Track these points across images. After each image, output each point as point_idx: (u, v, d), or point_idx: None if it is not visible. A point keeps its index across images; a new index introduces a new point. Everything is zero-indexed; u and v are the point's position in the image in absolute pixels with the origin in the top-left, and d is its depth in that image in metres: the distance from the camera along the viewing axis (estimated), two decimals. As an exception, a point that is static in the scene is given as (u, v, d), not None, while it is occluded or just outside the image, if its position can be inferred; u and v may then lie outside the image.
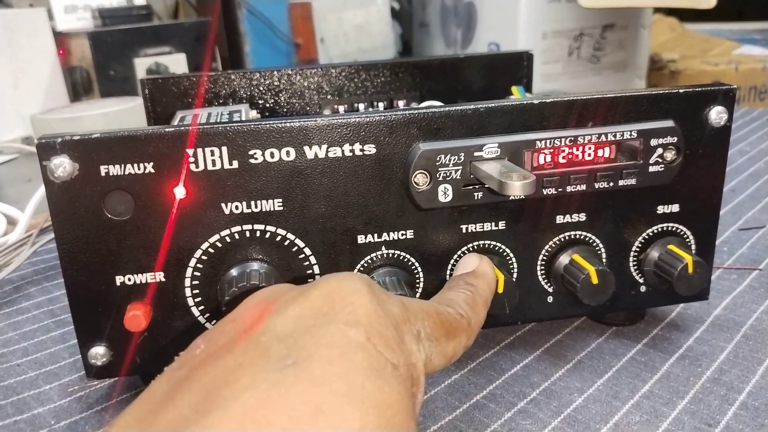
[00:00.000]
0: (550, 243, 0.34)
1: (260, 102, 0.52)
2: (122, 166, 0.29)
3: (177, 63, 0.95)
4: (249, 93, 0.52)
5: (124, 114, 0.73)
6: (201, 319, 0.32)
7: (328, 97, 0.53)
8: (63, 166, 0.28)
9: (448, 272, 0.34)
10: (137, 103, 0.75)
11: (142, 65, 0.93)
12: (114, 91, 0.90)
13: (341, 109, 0.52)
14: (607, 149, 0.33)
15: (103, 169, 0.29)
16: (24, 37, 0.91)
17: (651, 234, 0.35)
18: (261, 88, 0.52)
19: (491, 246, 0.34)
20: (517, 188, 0.28)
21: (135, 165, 0.29)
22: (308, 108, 0.52)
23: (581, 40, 1.22)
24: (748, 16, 1.96)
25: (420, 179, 0.31)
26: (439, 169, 0.31)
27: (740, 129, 0.82)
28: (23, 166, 0.79)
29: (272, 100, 0.52)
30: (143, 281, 0.31)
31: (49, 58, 0.94)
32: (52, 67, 0.94)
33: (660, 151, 0.33)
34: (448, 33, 1.37)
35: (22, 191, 0.65)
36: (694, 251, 0.36)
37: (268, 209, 0.31)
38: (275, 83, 0.52)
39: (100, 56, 0.91)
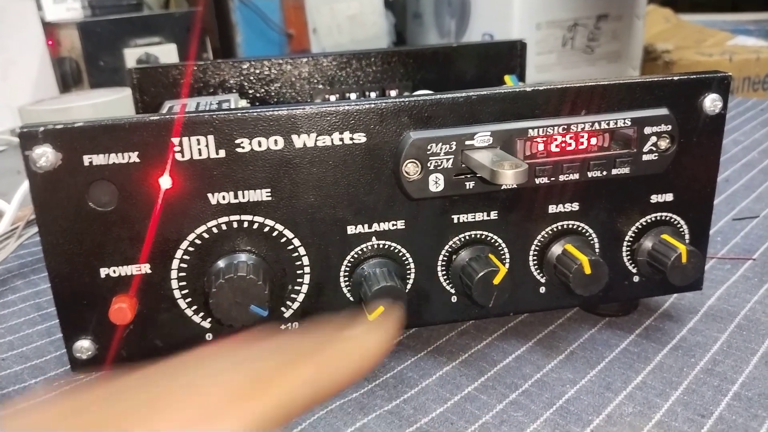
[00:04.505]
0: (543, 233, 0.34)
1: (250, 92, 0.51)
2: (106, 155, 0.28)
3: (167, 53, 0.94)
4: (239, 83, 0.51)
5: (113, 104, 0.72)
6: (188, 312, 0.31)
7: (320, 86, 0.52)
8: (45, 155, 0.28)
9: (438, 263, 0.33)
10: (126, 93, 0.74)
11: (132, 56, 0.92)
12: (104, 82, 0.89)
13: (332, 98, 0.52)
14: (600, 137, 0.32)
15: (86, 159, 0.28)
16: (12, 28, 0.90)
17: (644, 224, 0.35)
18: (251, 78, 0.51)
19: (483, 236, 0.33)
20: (509, 177, 0.28)
21: (119, 154, 0.28)
22: (299, 98, 0.52)
23: (575, 30, 1.22)
24: (742, 7, 1.96)
25: (411, 168, 0.31)
26: (430, 158, 0.31)
27: (734, 119, 0.81)
28: (12, 158, 0.78)
29: (263, 90, 0.51)
30: (128, 273, 0.30)
31: (37, 49, 0.93)
32: (40, 58, 0.93)
33: (654, 139, 0.33)
34: (442, 24, 1.36)
35: (10, 183, 0.64)
36: (687, 241, 0.35)
37: (255, 199, 0.30)
38: (265, 72, 0.51)
39: (89, 47, 0.90)
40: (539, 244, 0.34)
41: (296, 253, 0.31)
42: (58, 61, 0.94)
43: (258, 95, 0.51)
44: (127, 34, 0.92)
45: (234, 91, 0.51)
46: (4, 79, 0.89)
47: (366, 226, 0.32)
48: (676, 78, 0.33)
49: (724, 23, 1.71)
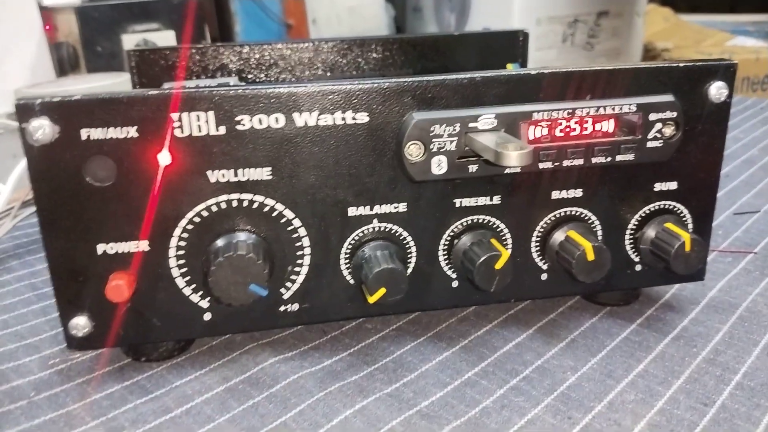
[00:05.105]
0: (546, 219, 0.34)
1: (250, 77, 0.51)
2: (104, 129, 0.28)
3: (166, 40, 0.93)
4: (238, 67, 0.51)
5: (111, 89, 0.72)
6: (186, 291, 0.31)
7: (320, 72, 0.52)
8: (42, 128, 0.27)
9: (440, 247, 0.33)
10: (124, 78, 0.74)
11: (130, 42, 0.91)
12: (101, 68, 0.88)
13: (333, 84, 0.51)
14: (605, 123, 0.32)
15: (84, 133, 0.28)
16: (9, 12, 0.89)
17: (648, 212, 0.34)
18: (251, 63, 0.51)
19: (485, 221, 0.33)
20: (513, 158, 0.27)
21: (117, 129, 0.28)
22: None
23: (575, 26, 1.22)
24: (741, 9, 1.96)
25: (413, 150, 0.30)
26: (434, 140, 0.30)
27: (734, 117, 0.81)
28: (8, 141, 0.77)
29: (262, 75, 0.51)
30: (126, 250, 0.29)
31: (35, 34, 0.91)
32: (38, 43, 0.92)
33: (659, 126, 0.32)
34: (442, 18, 1.36)
35: (6, 167, 0.64)
36: (690, 230, 0.35)
37: (256, 178, 0.30)
38: (265, 57, 0.51)
39: (87, 32, 0.89)
40: (542, 230, 0.34)
41: (296, 234, 0.31)
42: (56, 46, 0.93)
43: (257, 80, 0.51)
44: (125, 20, 0.91)
45: (233, 75, 0.50)
46: (0, 64, 0.88)
47: (367, 208, 0.31)
48: (681, 65, 0.33)
49: (723, 24, 1.71)
